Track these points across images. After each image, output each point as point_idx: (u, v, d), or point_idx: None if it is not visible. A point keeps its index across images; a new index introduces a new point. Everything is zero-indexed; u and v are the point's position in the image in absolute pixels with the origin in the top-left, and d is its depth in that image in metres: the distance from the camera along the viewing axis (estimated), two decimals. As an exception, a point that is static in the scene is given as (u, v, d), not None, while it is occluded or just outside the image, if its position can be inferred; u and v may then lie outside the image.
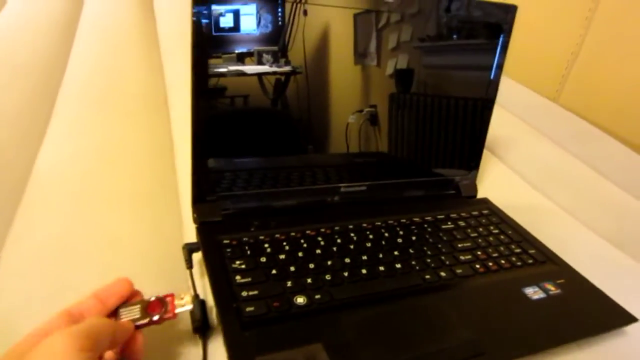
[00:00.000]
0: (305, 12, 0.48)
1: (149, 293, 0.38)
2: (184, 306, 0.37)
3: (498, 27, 0.56)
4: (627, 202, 0.69)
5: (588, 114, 0.98)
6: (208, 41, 0.46)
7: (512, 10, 0.55)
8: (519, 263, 0.50)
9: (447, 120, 0.58)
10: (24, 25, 0.90)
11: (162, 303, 0.37)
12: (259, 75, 0.48)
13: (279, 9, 0.47)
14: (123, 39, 0.92)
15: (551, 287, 0.46)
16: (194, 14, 0.44)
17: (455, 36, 0.55)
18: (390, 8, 0.51)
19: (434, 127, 0.58)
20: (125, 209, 0.54)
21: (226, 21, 0.46)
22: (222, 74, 0.47)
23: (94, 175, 0.58)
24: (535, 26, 1.08)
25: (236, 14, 0.46)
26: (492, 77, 0.58)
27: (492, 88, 0.58)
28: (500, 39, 0.56)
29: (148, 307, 0.36)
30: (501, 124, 0.84)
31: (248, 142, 0.51)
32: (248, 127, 0.50)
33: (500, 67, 0.57)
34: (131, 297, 0.37)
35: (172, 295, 0.38)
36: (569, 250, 0.53)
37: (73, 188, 0.55)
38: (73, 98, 0.72)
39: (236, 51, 0.47)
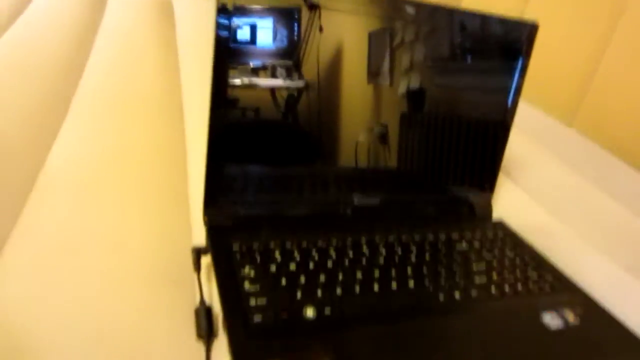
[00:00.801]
0: (320, 29, 0.47)
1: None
2: None
3: (516, 47, 0.55)
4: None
5: (602, 139, 0.97)
6: (227, 52, 0.45)
7: (531, 29, 0.54)
8: (535, 289, 0.48)
9: (461, 141, 0.57)
10: (46, 26, 0.90)
11: None
12: (272, 88, 0.48)
13: (295, 24, 0.47)
14: (142, 44, 0.93)
15: (570, 317, 0.45)
16: (217, 25, 0.43)
17: (470, 57, 0.54)
18: (406, 23, 0.50)
19: (448, 147, 0.57)
20: (134, 210, 0.53)
21: (243, 34, 0.46)
22: (237, 85, 0.47)
23: (104, 176, 0.57)
24: (550, 48, 1.08)
25: (253, 28, 0.46)
26: (510, 99, 0.57)
27: (510, 110, 0.57)
28: (520, 61, 0.55)
29: None
30: (515, 145, 0.83)
31: (262, 152, 0.50)
32: (263, 137, 0.50)
33: (518, 89, 0.56)
34: None
35: None
36: (586, 278, 0.52)
37: (82, 188, 0.55)
38: (88, 100, 0.71)
39: (251, 64, 0.47)
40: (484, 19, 0.53)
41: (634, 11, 0.93)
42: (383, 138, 0.54)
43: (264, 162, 0.50)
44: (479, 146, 0.58)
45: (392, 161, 0.55)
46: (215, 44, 0.44)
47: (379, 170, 0.55)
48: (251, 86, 0.47)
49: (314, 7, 0.47)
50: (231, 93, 0.47)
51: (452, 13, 0.52)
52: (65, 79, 0.73)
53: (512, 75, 0.56)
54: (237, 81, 0.46)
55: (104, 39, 0.92)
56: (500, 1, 1.31)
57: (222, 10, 0.44)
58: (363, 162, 0.54)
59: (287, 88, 0.48)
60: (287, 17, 0.46)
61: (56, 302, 0.41)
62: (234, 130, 0.48)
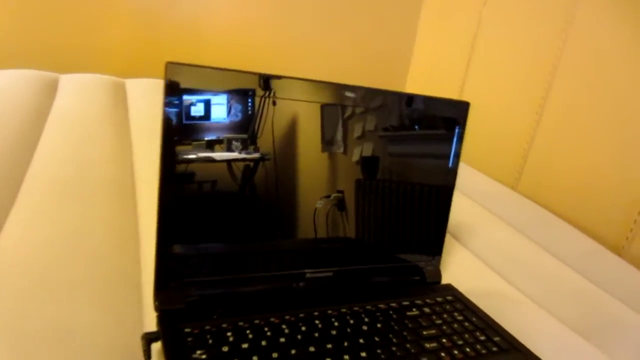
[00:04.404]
0: (274, 103, 0.51)
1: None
2: None
3: (453, 119, 0.60)
4: (587, 289, 0.71)
5: (545, 200, 1.03)
6: (178, 129, 0.47)
7: (465, 106, 0.60)
8: (483, 351, 0.50)
9: (410, 207, 0.60)
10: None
11: None
12: (228, 161, 0.50)
13: (249, 100, 0.50)
14: (93, 129, 0.93)
15: (516, 376, 0.46)
16: (165, 104, 0.46)
17: (416, 127, 0.59)
18: (355, 102, 0.55)
19: (398, 213, 0.60)
20: (84, 298, 0.52)
21: (197, 110, 0.48)
22: (191, 160, 0.48)
23: (53, 263, 0.56)
24: (492, 118, 1.17)
25: (207, 103, 0.48)
26: (450, 165, 0.61)
27: (451, 175, 0.61)
28: (456, 131, 0.60)
29: None
30: (463, 210, 0.88)
31: (216, 228, 0.51)
32: (216, 212, 0.51)
33: (457, 155, 0.61)
34: None
35: None
36: (533, 338, 0.54)
37: (30, 276, 0.53)
38: (37, 186, 0.71)
39: (206, 138, 0.49)
40: (426, 99, 0.59)
41: (560, 87, 1.03)
42: (340, 204, 0.56)
43: (217, 239, 0.51)
44: (425, 212, 0.61)
45: (348, 229, 0.57)
46: (163, 121, 0.46)
47: (333, 240, 0.57)
48: (207, 160, 0.49)
49: (268, 86, 0.50)
50: (186, 168, 0.48)
51: (399, 95, 0.57)
52: (13, 166, 0.73)
53: (452, 144, 0.61)
54: (192, 156, 0.48)
55: (56, 120, 0.92)
56: (440, 84, 1.42)
57: (172, 89, 0.46)
58: (320, 232, 0.55)
59: (243, 160, 0.51)
60: (241, 93, 0.49)
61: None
62: (185, 210, 0.49)
